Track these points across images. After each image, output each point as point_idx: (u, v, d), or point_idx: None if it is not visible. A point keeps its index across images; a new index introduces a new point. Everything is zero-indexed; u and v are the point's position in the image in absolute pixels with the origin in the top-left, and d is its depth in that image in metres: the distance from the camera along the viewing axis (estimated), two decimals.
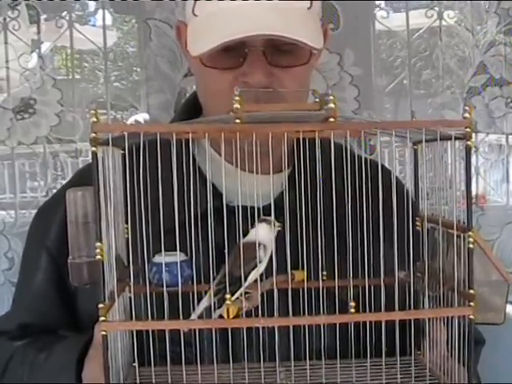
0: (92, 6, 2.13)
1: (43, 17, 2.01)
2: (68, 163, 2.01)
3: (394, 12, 2.12)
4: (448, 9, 2.02)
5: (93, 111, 0.87)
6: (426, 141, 0.97)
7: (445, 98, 2.00)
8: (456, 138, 0.91)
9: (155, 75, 1.90)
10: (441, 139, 0.94)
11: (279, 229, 1.01)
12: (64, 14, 1.98)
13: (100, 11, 2.00)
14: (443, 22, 2.01)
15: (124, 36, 2.19)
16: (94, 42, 2.01)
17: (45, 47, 2.07)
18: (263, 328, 1.03)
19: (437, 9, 2.01)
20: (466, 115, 0.90)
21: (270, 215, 1.00)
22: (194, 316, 0.97)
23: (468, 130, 0.89)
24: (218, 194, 1.13)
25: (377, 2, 2.05)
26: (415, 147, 1.08)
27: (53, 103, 1.90)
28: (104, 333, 0.90)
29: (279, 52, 1.17)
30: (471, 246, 0.91)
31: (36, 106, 1.90)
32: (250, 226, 1.00)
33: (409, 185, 1.22)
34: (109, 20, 2.11)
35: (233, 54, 1.16)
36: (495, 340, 1.40)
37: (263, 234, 0.99)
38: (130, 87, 2.12)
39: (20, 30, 1.98)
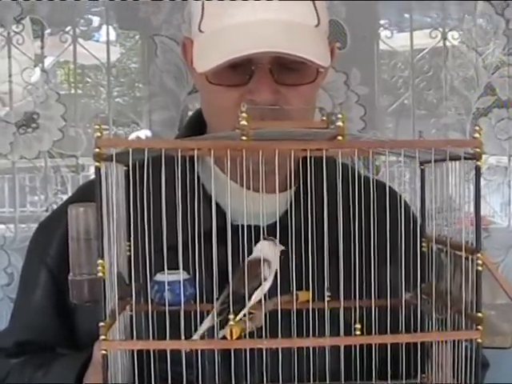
0: (96, 21, 2.12)
1: (47, 31, 2.01)
2: (69, 178, 2.00)
3: (399, 32, 2.11)
4: (453, 30, 2.02)
5: (97, 126, 0.86)
6: (435, 161, 0.95)
7: (449, 119, 2.00)
8: (465, 159, 0.90)
9: (160, 91, 1.89)
10: (449, 159, 0.93)
11: (282, 248, 0.99)
12: (68, 28, 1.98)
13: (104, 27, 2.00)
14: (448, 43, 2.00)
15: (127, 52, 2.18)
16: (97, 57, 2.00)
17: (48, 61, 2.07)
18: (266, 349, 1.01)
19: (441, 29, 2.00)
20: (476, 135, 0.88)
21: (274, 234, 0.98)
22: (195, 336, 0.95)
23: (478, 150, 0.88)
24: (221, 213, 1.11)
25: (381, 22, 2.05)
26: (422, 167, 1.06)
27: (56, 118, 1.89)
28: (104, 352, 0.88)
29: (286, 70, 1.16)
30: (480, 268, 0.89)
31: (39, 121, 1.90)
32: (253, 245, 0.98)
33: (413, 205, 1.21)
34: (113, 36, 2.10)
35: (239, 71, 1.15)
36: (498, 363, 1.39)
37: (267, 251, 0.98)
38: (132, 103, 2.11)
39: (24, 44, 1.97)
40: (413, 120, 2.00)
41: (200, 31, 1.18)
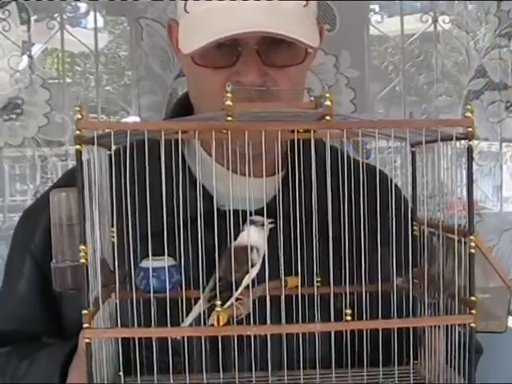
0: (83, 7, 2.09)
1: (34, 18, 1.98)
2: (58, 166, 1.98)
3: (389, 17, 2.09)
4: (443, 14, 2.00)
5: (77, 108, 0.83)
6: (426, 142, 0.93)
7: (440, 103, 1.98)
8: (457, 139, 0.88)
9: (147, 75, 1.87)
10: (441, 140, 0.91)
11: (272, 226, 0.97)
12: (55, 15, 1.95)
13: (91, 13, 1.98)
14: (438, 27, 1.99)
15: (116, 39, 2.16)
16: (86, 44, 1.98)
17: (36, 49, 2.04)
18: (255, 336, 0.99)
19: (432, 13, 1.99)
20: (468, 114, 0.86)
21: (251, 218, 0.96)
22: (187, 322, 0.93)
23: (470, 129, 0.86)
24: (208, 197, 1.09)
25: (371, 7, 2.03)
26: (413, 149, 1.04)
27: (41, 103, 1.87)
28: (88, 340, 0.86)
29: (274, 51, 1.13)
30: (473, 250, 0.87)
31: (23, 107, 1.87)
32: (238, 230, 0.96)
33: (404, 189, 1.19)
34: (100, 22, 2.08)
35: (226, 52, 1.13)
36: (492, 349, 1.37)
37: (254, 236, 0.95)
38: (122, 91, 2.09)
39: (10, 30, 1.95)
40: (403, 105, 1.98)
41: (186, 12, 1.15)
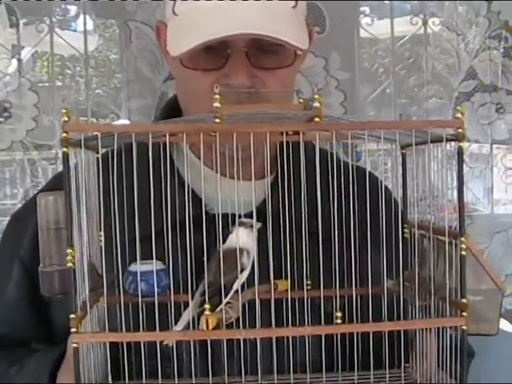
0: (73, 10, 2.08)
1: (23, 21, 1.97)
2: (48, 170, 1.97)
3: (379, 19, 2.09)
4: (433, 16, 2.00)
5: (64, 110, 0.82)
6: (416, 144, 0.92)
7: (430, 105, 1.98)
8: (448, 140, 0.87)
9: (136, 78, 1.87)
10: (431, 141, 0.90)
11: (260, 226, 0.96)
12: (45, 18, 1.95)
13: (81, 16, 1.97)
14: (428, 29, 1.98)
15: (105, 42, 2.15)
16: (75, 47, 1.97)
17: (25, 52, 2.03)
18: (245, 340, 0.98)
19: (422, 16, 1.98)
20: (458, 115, 0.85)
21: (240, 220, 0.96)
22: (178, 327, 0.92)
23: (460, 130, 0.85)
24: (197, 201, 1.08)
25: (361, 9, 2.03)
26: (403, 151, 1.04)
27: (29, 107, 1.86)
28: (75, 345, 0.85)
29: (263, 53, 1.12)
30: (463, 252, 0.86)
31: (11, 110, 1.86)
32: (225, 234, 0.95)
33: (395, 191, 1.18)
34: (90, 25, 2.07)
35: (214, 54, 1.12)
36: (484, 352, 1.36)
37: (243, 238, 0.94)
38: (112, 94, 2.08)
39: None
40: (394, 107, 1.98)
41: (174, 14, 1.14)
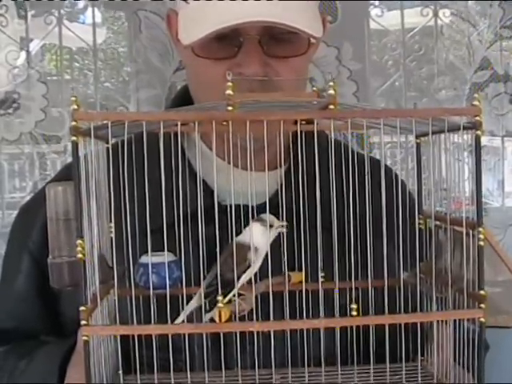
0: (81, 2, 2.07)
1: (31, 13, 1.96)
2: (57, 163, 1.96)
3: (389, 10, 2.07)
4: (443, 7, 1.98)
5: (73, 98, 0.81)
6: (432, 133, 0.90)
7: (441, 96, 1.96)
8: (465, 128, 0.85)
9: (145, 69, 1.85)
10: (448, 130, 0.88)
11: (280, 230, 0.94)
12: (53, 10, 1.94)
13: (89, 8, 1.96)
14: (439, 21, 1.97)
15: (114, 36, 2.14)
16: (84, 39, 1.96)
17: (33, 44, 2.02)
18: (258, 333, 0.96)
19: (432, 7, 1.97)
20: (475, 103, 0.83)
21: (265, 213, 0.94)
22: (179, 320, 0.90)
23: (477, 118, 0.83)
24: (209, 192, 1.06)
25: (371, 1, 2.01)
26: (417, 141, 1.02)
27: (38, 98, 1.85)
28: (85, 338, 0.83)
29: (276, 41, 1.10)
30: (481, 243, 0.84)
31: (20, 101, 1.85)
32: (243, 226, 0.94)
33: (409, 182, 1.16)
34: (98, 18, 2.06)
35: (227, 43, 1.10)
36: (496, 345, 1.34)
37: (257, 234, 0.93)
38: (120, 87, 2.07)
39: (8, 26, 1.93)
40: (404, 100, 1.96)
41: (185, 2, 1.13)
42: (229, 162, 1.02)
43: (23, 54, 1.96)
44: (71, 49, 2.11)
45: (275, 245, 0.95)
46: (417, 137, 1.01)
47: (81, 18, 2.10)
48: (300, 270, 1.00)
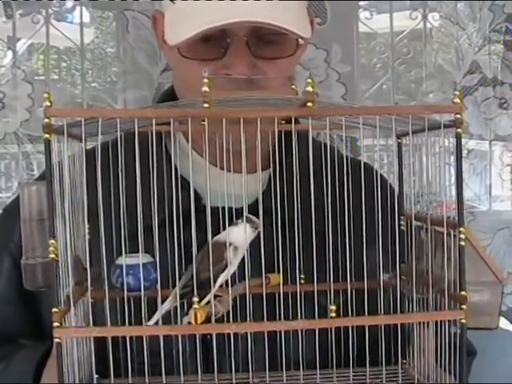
0: (69, 2, 2.06)
1: (18, 12, 1.94)
2: (43, 163, 1.94)
3: (378, 14, 2.06)
4: (433, 10, 1.97)
5: (46, 95, 0.79)
6: (413, 132, 0.89)
7: (429, 99, 1.96)
8: (445, 126, 0.83)
9: (132, 69, 1.84)
10: (429, 129, 0.87)
11: (259, 229, 0.93)
12: (41, 9, 1.92)
13: (77, 8, 1.94)
14: (428, 24, 1.97)
15: (102, 35, 2.13)
16: (72, 39, 1.94)
17: (20, 44, 2.00)
18: (236, 335, 0.95)
19: (421, 10, 1.96)
20: (456, 100, 0.82)
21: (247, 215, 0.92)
22: (151, 322, 0.88)
23: (458, 116, 0.82)
24: (189, 192, 1.05)
25: (360, 3, 2.00)
26: (399, 140, 1.00)
27: (23, 97, 1.83)
28: (58, 340, 0.82)
29: (264, 42, 1.09)
30: (462, 243, 0.83)
31: (5, 100, 1.83)
32: (221, 228, 0.92)
33: (391, 181, 1.15)
34: (86, 18, 2.05)
35: (213, 44, 1.09)
36: (485, 350, 1.33)
37: (237, 233, 0.91)
38: (108, 87, 2.06)
39: None
40: (393, 103, 1.96)
41: (172, 2, 1.11)
42: (211, 162, 1.01)
43: (10, 54, 1.94)
44: (59, 48, 2.09)
45: (255, 247, 0.94)
46: (398, 136, 1.00)
47: (69, 18, 2.08)
48: (279, 272, 0.99)
